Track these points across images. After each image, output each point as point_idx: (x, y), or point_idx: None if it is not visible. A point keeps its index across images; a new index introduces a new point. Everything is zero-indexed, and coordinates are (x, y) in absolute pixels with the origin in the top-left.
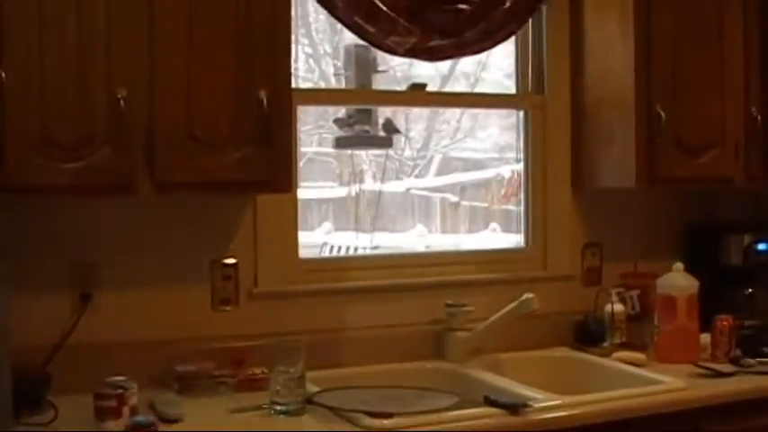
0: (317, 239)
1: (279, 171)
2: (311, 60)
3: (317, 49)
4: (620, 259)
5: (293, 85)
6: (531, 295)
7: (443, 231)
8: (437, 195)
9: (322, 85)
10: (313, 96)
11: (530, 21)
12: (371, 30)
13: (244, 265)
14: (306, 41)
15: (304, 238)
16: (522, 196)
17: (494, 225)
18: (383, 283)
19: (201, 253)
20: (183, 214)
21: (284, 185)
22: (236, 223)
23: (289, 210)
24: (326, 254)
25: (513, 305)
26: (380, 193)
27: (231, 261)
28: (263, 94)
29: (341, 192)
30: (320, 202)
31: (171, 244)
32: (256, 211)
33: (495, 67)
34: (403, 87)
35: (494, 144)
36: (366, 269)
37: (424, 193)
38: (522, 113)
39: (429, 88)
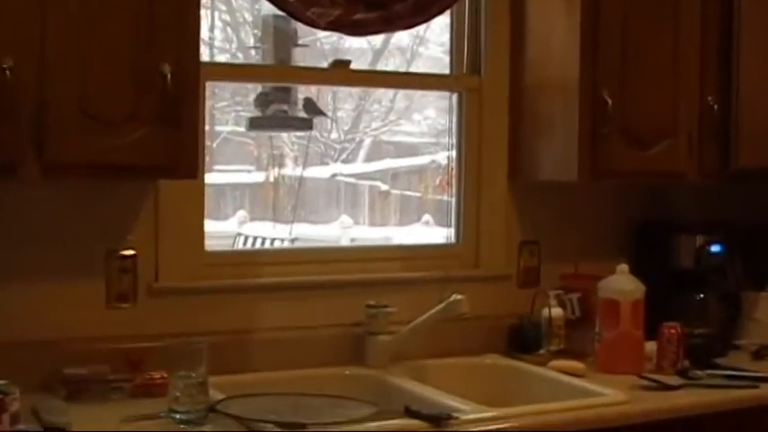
0: (231, 229)
1: (183, 155)
2: (229, 29)
3: (236, 17)
4: (560, 259)
5: (205, 59)
6: (460, 296)
7: (372, 223)
8: (366, 183)
9: (240, 57)
10: (224, 71)
11: None
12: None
13: (143, 257)
14: (224, 8)
15: (216, 227)
16: (453, 187)
17: (427, 217)
18: (299, 279)
19: (95, 243)
20: (75, 200)
21: (189, 171)
22: (136, 211)
23: (195, 197)
24: (240, 246)
25: (440, 307)
26: (302, 179)
27: (129, 252)
28: (166, 69)
29: (258, 177)
30: (235, 187)
31: (61, 233)
32: (158, 197)
33: (434, 42)
34: (327, 63)
35: (430, 128)
36: (281, 264)
37: (352, 180)
38: (455, 96)
39: (358, 65)
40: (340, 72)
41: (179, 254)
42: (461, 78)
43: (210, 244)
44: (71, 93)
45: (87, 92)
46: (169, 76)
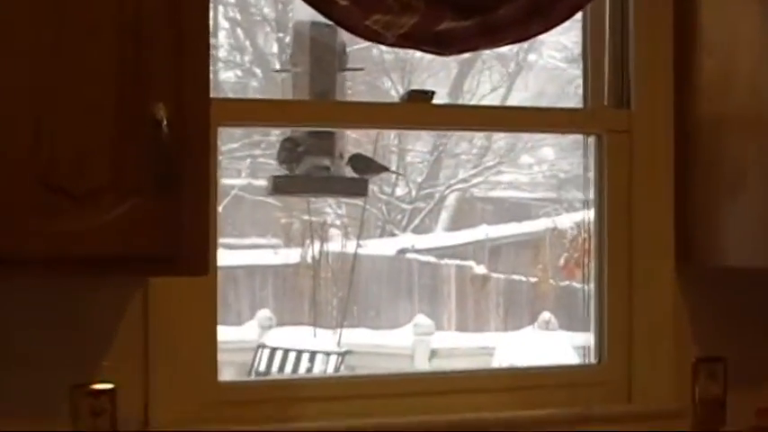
0: (248, 338)
1: (187, 238)
2: (240, 32)
3: (250, 14)
4: (757, 384)
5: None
6: None
7: (462, 326)
8: (451, 263)
9: (256, 81)
10: (244, 111)
11: None
12: (343, 2)
13: (127, 393)
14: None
15: (225, 335)
16: (590, 269)
17: (547, 316)
18: (359, 424)
19: (57, 373)
20: (30, 308)
21: (196, 263)
22: (115, 323)
23: (203, 299)
24: (264, 363)
25: None
26: (355, 258)
27: (105, 387)
28: (160, 112)
29: (288, 256)
30: (253, 272)
31: (7, 356)
32: (148, 302)
33: (552, 45)
34: (397, 91)
35: (547, 176)
36: (330, 400)
37: (430, 258)
38: (592, 140)
39: (436, 85)
40: (419, 110)
41: (179, 387)
42: (602, 113)
43: (222, 372)
44: (22, 152)
45: (45, 149)
46: (165, 121)
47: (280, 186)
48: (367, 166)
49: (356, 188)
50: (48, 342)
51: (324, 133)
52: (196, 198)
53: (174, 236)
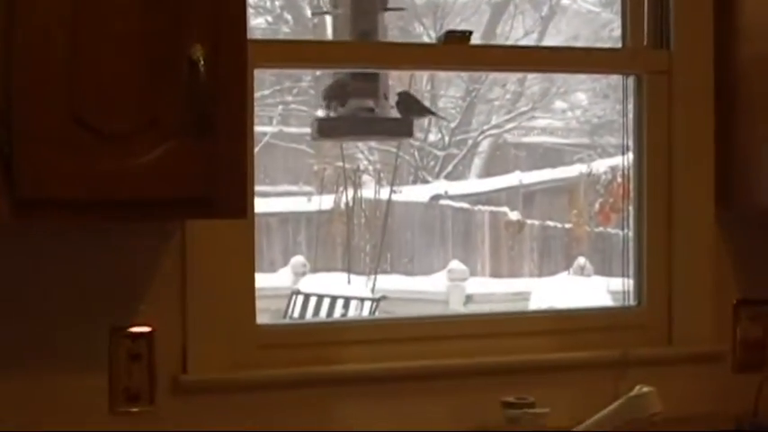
0: (282, 284)
1: (225, 180)
2: None
3: None
4: None
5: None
6: (646, 389)
7: (496, 272)
8: (485, 209)
9: (287, 27)
10: (281, 52)
11: None
12: None
13: (164, 336)
14: None
15: (260, 281)
16: (628, 214)
17: (582, 261)
18: (396, 366)
19: (94, 316)
20: (64, 252)
21: (234, 205)
22: (152, 268)
23: (241, 244)
24: (298, 309)
25: (617, 404)
26: (389, 205)
27: (143, 330)
28: (197, 52)
29: (321, 203)
30: (286, 219)
31: (42, 301)
32: (185, 246)
33: None
34: (431, 34)
35: (581, 121)
36: (368, 343)
37: (463, 205)
38: (631, 80)
39: (474, 32)
40: (458, 51)
41: (217, 330)
42: (641, 54)
43: (260, 315)
44: (53, 91)
45: (77, 88)
46: (202, 62)
47: (324, 129)
48: (414, 105)
49: (401, 129)
50: (86, 288)
51: (369, 75)
52: (233, 140)
53: (212, 178)
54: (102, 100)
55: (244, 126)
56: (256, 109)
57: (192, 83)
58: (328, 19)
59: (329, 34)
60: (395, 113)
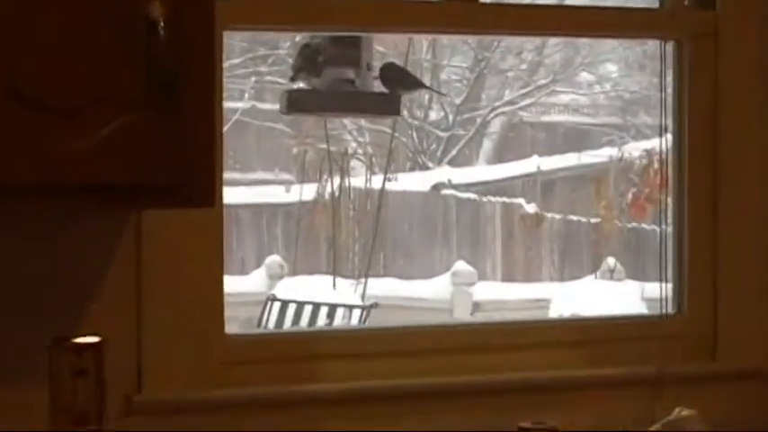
0: (255, 288)
1: (190, 162)
2: None
3: None
4: None
5: None
6: (687, 412)
7: (509, 275)
8: (496, 201)
9: None
10: (255, 10)
11: None
12: None
13: (115, 348)
14: None
15: (229, 285)
16: (668, 206)
17: (611, 263)
18: (388, 385)
19: (32, 324)
20: (4, 248)
21: (200, 192)
22: (102, 268)
23: (205, 239)
24: (273, 318)
25: (652, 430)
26: (382, 195)
27: (90, 340)
28: (156, 10)
29: (302, 193)
30: (260, 212)
31: None
32: (141, 242)
33: None
34: None
35: (611, 97)
36: (355, 357)
37: (470, 195)
38: (670, 46)
39: None
40: (463, 9)
41: (178, 342)
42: (682, 14)
43: (229, 324)
44: None
45: (16, 57)
46: (162, 22)
47: (295, 103)
48: (401, 78)
49: (387, 105)
50: (23, 289)
51: (348, 40)
52: (200, 115)
53: (175, 159)
54: (43, 67)
55: (212, 99)
56: (225, 81)
57: (150, 47)
58: None
59: None
60: (379, 87)
